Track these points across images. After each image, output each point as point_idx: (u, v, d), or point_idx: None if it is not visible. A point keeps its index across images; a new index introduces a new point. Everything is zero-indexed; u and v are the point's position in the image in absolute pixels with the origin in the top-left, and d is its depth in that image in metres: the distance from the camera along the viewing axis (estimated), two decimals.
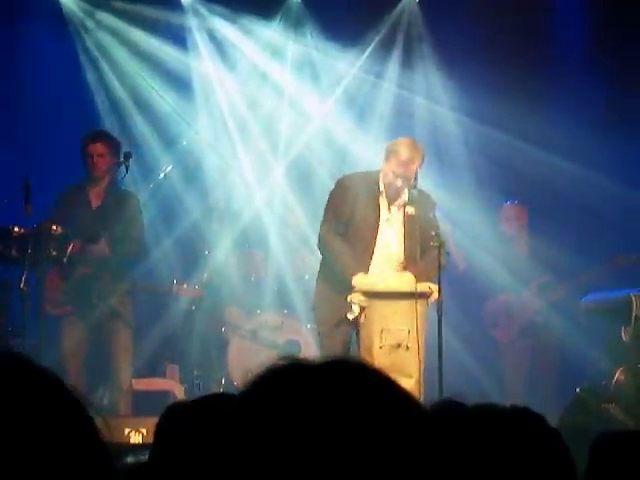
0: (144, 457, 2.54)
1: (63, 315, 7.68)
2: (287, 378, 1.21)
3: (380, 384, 1.23)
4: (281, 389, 1.20)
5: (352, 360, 1.25)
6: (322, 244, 6.81)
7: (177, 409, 2.49)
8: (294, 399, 1.18)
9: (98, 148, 7.73)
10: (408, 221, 6.64)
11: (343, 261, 6.60)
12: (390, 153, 6.62)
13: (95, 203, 7.83)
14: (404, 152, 6.56)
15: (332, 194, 6.84)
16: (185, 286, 8.34)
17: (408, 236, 6.65)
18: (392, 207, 6.68)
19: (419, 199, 6.61)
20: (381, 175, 6.67)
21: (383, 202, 6.67)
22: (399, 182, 6.57)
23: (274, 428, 1.16)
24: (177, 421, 2.43)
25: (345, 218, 6.69)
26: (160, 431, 2.49)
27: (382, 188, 6.64)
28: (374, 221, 6.67)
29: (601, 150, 8.49)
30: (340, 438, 1.16)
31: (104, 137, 7.86)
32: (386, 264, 6.67)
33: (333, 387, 1.19)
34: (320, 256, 6.96)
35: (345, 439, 1.16)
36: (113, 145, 7.80)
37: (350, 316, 6.50)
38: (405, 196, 6.63)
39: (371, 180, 6.70)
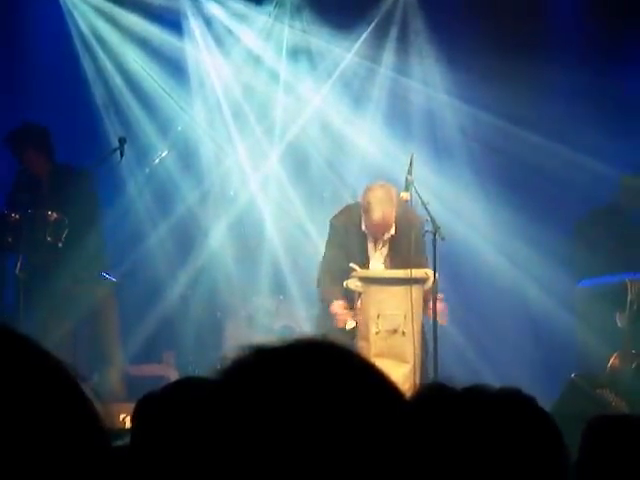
0: None
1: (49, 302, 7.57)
2: (256, 361, 1.20)
3: (352, 365, 1.21)
4: (249, 373, 1.19)
5: (323, 341, 1.23)
6: (318, 287, 6.98)
7: (150, 400, 2.49)
8: (263, 383, 1.17)
9: (31, 156, 7.72)
10: (393, 247, 6.69)
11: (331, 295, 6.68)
12: (364, 210, 6.63)
13: (46, 184, 7.78)
14: (376, 212, 6.56)
15: (328, 235, 6.93)
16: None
17: (393, 262, 6.71)
18: (378, 243, 6.72)
19: (405, 222, 6.61)
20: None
21: (369, 239, 6.72)
22: (378, 234, 6.66)
23: (245, 413, 1.15)
24: (152, 411, 2.43)
25: (339, 250, 6.75)
26: (136, 422, 2.50)
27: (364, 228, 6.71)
28: (362, 255, 6.72)
29: (594, 134, 8.49)
30: (308, 420, 1.14)
31: (31, 145, 7.72)
32: None
33: (301, 369, 1.18)
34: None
35: (313, 420, 1.14)
36: (44, 145, 7.75)
37: (348, 327, 6.53)
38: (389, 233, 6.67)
39: (356, 218, 6.74)
